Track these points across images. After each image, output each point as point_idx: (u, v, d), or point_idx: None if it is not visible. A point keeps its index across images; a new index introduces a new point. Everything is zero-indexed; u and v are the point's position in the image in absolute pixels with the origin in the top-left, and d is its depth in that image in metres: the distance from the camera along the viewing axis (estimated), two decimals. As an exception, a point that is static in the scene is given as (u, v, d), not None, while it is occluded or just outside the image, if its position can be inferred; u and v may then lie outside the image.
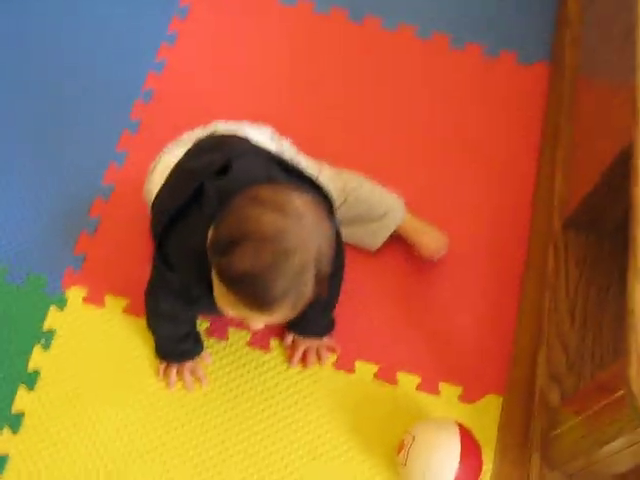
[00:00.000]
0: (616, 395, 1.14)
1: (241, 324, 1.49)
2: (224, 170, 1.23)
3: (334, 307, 1.48)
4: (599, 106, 1.52)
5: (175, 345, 1.47)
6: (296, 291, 1.09)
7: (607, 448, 1.21)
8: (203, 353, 1.49)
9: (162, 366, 1.48)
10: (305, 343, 1.50)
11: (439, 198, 1.67)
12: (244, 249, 1.07)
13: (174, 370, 1.47)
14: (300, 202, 1.10)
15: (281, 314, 1.12)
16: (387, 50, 1.83)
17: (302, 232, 1.08)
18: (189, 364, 1.48)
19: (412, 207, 1.59)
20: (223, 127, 1.45)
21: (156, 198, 1.36)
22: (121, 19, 1.83)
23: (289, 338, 1.52)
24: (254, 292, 1.09)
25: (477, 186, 1.69)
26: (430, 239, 1.58)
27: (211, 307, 1.41)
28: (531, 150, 1.73)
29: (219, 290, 1.16)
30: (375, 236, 1.58)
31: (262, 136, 1.46)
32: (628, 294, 1.05)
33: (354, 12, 1.86)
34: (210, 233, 1.15)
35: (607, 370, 1.21)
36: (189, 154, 1.35)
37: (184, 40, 1.81)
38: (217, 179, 1.22)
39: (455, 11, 1.89)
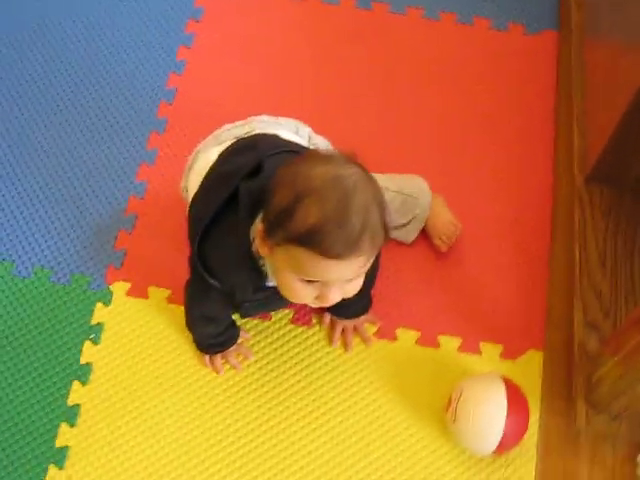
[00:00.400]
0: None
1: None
2: (257, 171, 1.24)
3: (371, 289, 1.50)
4: (609, 60, 1.57)
5: (215, 339, 1.50)
6: (370, 226, 1.09)
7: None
8: (241, 333, 1.53)
9: (206, 357, 1.52)
10: (343, 322, 1.54)
11: (464, 168, 1.72)
12: (306, 205, 1.08)
13: (219, 358, 1.51)
14: (342, 155, 1.13)
15: (364, 254, 1.11)
16: (399, 33, 1.88)
17: (353, 174, 1.10)
18: (232, 348, 1.52)
19: (437, 182, 1.63)
20: (259, 124, 1.44)
21: (192, 202, 1.38)
22: (137, 24, 1.89)
23: (327, 318, 1.55)
24: (333, 238, 1.08)
25: (498, 153, 1.74)
26: (441, 228, 1.60)
27: (258, 308, 1.45)
28: (547, 113, 1.78)
29: (293, 265, 1.14)
30: (408, 234, 1.61)
31: (294, 134, 1.46)
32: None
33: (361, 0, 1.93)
34: (261, 218, 1.17)
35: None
36: (222, 157, 1.36)
37: (202, 40, 1.87)
38: (249, 180, 1.24)
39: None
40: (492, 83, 1.83)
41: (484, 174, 1.72)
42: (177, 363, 1.52)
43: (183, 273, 1.41)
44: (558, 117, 1.76)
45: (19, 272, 1.59)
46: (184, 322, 1.50)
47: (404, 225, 1.59)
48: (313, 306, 1.25)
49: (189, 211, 1.38)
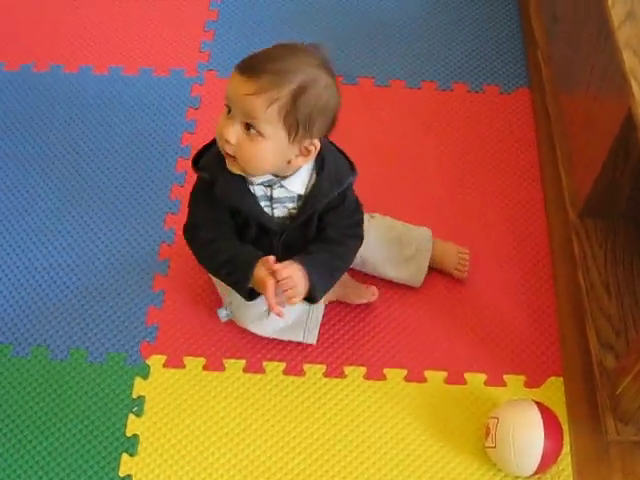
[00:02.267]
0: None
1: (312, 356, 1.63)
2: None
3: (342, 267, 1.52)
4: (584, 106, 1.73)
5: (244, 268, 1.42)
6: (284, 72, 1.24)
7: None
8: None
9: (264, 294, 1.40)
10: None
11: (464, 220, 1.85)
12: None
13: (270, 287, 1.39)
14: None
15: (261, 82, 1.24)
16: (385, 103, 2.05)
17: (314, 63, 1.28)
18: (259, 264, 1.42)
19: (440, 232, 1.76)
20: None
21: None
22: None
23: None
24: (252, 57, 1.26)
25: (493, 202, 1.87)
26: (453, 259, 1.74)
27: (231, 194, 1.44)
28: (532, 160, 1.94)
29: None
30: (416, 275, 1.72)
31: None
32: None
33: (347, 77, 2.07)
34: None
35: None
36: None
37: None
38: None
39: (435, 61, 2.13)
40: (479, 133, 1.99)
41: (482, 219, 1.85)
42: (218, 428, 1.57)
43: (214, 340, 1.55)
44: (542, 162, 1.92)
45: (55, 355, 1.65)
46: (222, 388, 1.60)
47: (411, 259, 1.70)
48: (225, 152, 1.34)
49: None
